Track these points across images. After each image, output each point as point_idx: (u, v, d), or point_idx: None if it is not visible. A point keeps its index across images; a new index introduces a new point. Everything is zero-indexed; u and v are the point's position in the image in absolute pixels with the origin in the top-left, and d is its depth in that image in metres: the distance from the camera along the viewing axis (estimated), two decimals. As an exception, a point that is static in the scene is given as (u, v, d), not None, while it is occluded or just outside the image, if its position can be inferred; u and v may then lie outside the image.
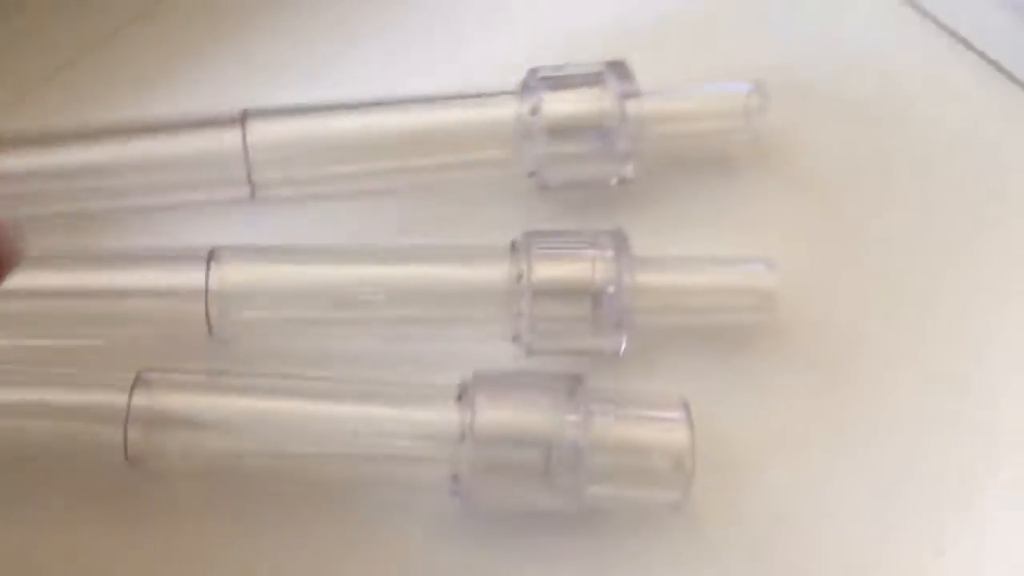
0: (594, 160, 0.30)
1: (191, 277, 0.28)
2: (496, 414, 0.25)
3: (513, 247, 0.28)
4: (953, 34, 0.34)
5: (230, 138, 0.30)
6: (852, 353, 0.29)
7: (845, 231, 0.31)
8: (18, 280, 0.28)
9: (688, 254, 0.29)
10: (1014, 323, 0.30)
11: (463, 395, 0.26)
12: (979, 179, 0.32)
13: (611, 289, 0.27)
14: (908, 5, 0.34)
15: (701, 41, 0.34)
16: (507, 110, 0.30)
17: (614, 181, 0.31)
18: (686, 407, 0.26)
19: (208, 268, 0.28)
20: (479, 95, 0.31)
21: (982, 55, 0.33)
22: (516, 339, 0.28)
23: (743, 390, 0.29)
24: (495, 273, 0.28)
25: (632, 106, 0.30)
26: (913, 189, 0.32)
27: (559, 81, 0.30)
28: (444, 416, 0.26)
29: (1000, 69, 0.33)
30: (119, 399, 0.26)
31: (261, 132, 0.30)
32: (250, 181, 0.30)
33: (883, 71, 0.34)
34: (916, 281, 0.30)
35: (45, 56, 0.34)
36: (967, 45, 0.34)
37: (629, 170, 0.30)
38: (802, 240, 0.31)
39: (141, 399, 0.26)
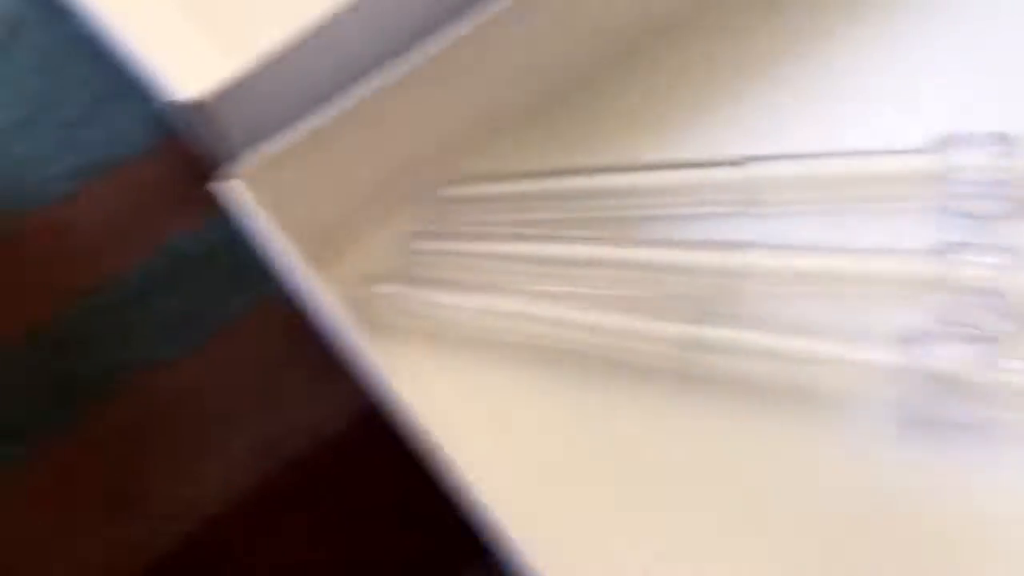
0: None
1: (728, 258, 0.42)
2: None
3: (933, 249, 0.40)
4: None
5: (733, 174, 0.45)
6: None
7: None
8: (605, 251, 0.43)
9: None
10: None
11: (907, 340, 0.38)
12: None
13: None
14: None
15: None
16: (917, 165, 0.40)
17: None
18: None
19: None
20: (894, 152, 0.42)
21: None
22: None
23: None
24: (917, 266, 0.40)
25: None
26: None
27: (966, 140, 0.39)
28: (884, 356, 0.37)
29: None
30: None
31: (758, 171, 0.44)
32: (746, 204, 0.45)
33: None
34: None
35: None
36: None
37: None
38: None
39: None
